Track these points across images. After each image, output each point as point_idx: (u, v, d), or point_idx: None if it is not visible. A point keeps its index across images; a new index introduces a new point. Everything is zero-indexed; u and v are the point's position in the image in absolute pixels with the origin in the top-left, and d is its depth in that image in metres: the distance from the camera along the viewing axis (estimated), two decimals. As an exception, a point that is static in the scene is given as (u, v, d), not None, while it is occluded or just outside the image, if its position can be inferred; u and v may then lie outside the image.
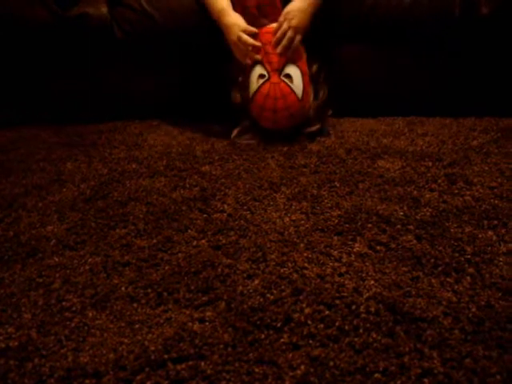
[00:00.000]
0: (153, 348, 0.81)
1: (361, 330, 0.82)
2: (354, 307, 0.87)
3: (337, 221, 1.15)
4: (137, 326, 0.87)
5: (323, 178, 1.37)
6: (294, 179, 1.37)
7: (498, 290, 0.90)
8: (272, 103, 1.60)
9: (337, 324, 0.83)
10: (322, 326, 0.83)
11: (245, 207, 1.24)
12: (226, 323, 0.85)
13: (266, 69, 1.61)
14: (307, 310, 0.87)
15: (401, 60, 1.70)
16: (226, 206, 1.25)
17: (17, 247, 1.12)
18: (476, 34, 1.79)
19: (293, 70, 1.62)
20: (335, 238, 1.09)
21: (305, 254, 1.03)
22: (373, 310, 0.86)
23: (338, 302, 0.88)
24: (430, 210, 1.18)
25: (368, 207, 1.20)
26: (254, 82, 1.63)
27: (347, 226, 1.13)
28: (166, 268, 1.02)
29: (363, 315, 0.85)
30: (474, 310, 0.85)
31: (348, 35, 1.84)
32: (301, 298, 0.90)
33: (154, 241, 1.12)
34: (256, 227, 1.15)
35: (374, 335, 0.81)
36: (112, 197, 1.34)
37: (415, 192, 1.26)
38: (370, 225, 1.13)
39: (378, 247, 1.04)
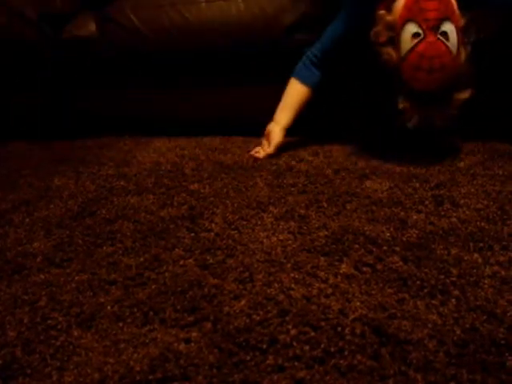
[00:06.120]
0: (138, 368, 0.81)
1: (346, 352, 0.82)
2: (339, 329, 0.87)
3: (324, 241, 1.16)
4: (122, 345, 0.86)
5: (311, 198, 1.37)
6: (281, 199, 1.38)
7: (483, 312, 0.90)
8: (428, 63, 1.46)
9: (322, 346, 0.83)
10: (307, 347, 0.83)
11: (232, 226, 1.24)
12: (211, 344, 0.85)
13: (420, 27, 1.46)
14: (293, 332, 0.87)
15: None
16: (213, 225, 1.25)
17: (3, 264, 1.12)
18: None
19: (448, 27, 1.48)
20: (322, 258, 1.09)
21: (291, 275, 1.03)
22: (358, 331, 0.86)
23: (323, 323, 0.88)
24: (417, 231, 1.18)
25: (355, 228, 1.21)
26: (408, 41, 1.47)
27: (334, 246, 1.13)
28: (153, 287, 1.01)
29: (348, 337, 0.85)
30: (458, 332, 0.85)
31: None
32: (287, 319, 0.90)
33: (141, 259, 1.12)
34: (243, 247, 1.15)
35: (359, 357, 0.81)
36: (99, 214, 1.34)
37: (402, 213, 1.27)
38: (356, 246, 1.13)
39: (365, 268, 1.05)
